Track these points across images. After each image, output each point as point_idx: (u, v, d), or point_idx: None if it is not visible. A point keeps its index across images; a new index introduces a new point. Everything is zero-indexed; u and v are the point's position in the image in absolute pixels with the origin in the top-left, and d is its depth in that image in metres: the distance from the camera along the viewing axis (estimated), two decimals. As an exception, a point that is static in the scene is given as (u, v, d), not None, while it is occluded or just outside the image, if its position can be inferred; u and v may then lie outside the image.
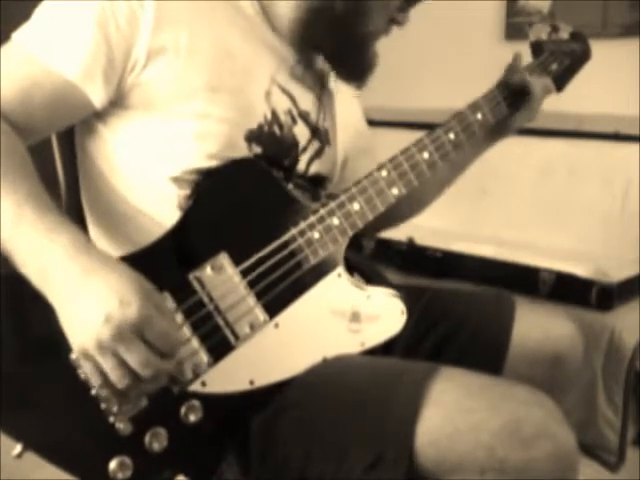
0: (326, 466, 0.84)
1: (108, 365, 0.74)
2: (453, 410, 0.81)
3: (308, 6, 0.97)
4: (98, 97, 0.88)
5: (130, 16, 0.86)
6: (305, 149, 1.02)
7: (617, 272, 1.85)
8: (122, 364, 0.74)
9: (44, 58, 0.85)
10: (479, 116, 1.07)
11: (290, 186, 0.99)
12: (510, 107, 1.11)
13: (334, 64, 1.03)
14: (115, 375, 0.75)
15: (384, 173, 0.97)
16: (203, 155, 0.91)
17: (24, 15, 0.88)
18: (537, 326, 1.10)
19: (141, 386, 0.77)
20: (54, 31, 0.87)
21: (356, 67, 1.03)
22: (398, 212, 1.11)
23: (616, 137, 2.15)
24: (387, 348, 1.01)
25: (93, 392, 0.80)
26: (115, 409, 0.81)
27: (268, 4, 0.98)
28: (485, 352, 1.07)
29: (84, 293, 0.74)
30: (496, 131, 1.15)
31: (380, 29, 1.01)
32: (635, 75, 2.07)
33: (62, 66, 0.85)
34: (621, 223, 2.07)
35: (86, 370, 0.78)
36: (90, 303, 0.73)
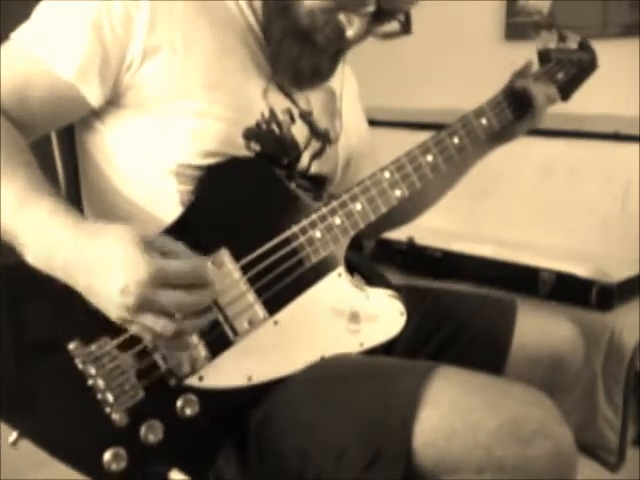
0: (324, 465, 0.84)
1: (149, 322, 0.75)
2: (451, 409, 0.81)
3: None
4: (94, 96, 0.89)
5: (125, 16, 0.87)
6: (305, 148, 1.02)
7: (617, 272, 1.85)
8: (161, 314, 0.75)
9: (42, 57, 0.86)
10: (483, 121, 1.07)
11: (292, 184, 0.99)
12: (514, 113, 1.11)
13: (272, 62, 0.98)
14: (160, 327, 0.76)
15: (387, 174, 0.98)
16: (200, 153, 0.91)
17: (24, 15, 0.89)
18: (538, 328, 1.10)
19: (191, 324, 0.78)
20: (51, 31, 0.87)
21: (291, 69, 0.97)
22: (398, 215, 1.11)
23: (616, 137, 2.14)
24: (388, 349, 1.01)
25: (90, 383, 0.80)
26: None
27: (256, 4, 0.98)
28: (486, 354, 1.08)
29: (94, 269, 0.75)
30: (499, 136, 1.15)
31: (324, 38, 0.94)
32: (635, 75, 2.07)
33: (58, 66, 0.86)
34: (621, 223, 2.06)
35: (136, 332, 0.78)
36: (103, 278, 0.75)
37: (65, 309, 0.77)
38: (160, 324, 0.75)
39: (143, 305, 0.74)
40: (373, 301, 0.98)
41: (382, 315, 0.98)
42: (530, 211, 2.22)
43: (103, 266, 0.75)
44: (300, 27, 0.93)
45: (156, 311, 0.75)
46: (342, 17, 0.92)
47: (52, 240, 0.77)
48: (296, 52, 0.95)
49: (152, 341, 0.79)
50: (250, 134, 0.94)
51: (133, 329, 0.78)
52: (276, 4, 0.94)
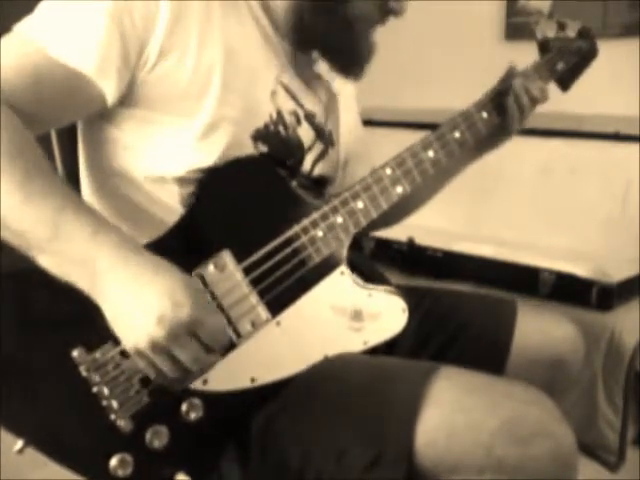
0: (326, 465, 0.84)
1: (161, 362, 0.76)
2: (452, 409, 0.81)
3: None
4: (111, 92, 0.86)
5: (146, 14, 0.85)
6: (310, 150, 1.02)
7: (617, 272, 1.84)
8: (174, 361, 0.76)
9: (57, 50, 0.83)
10: (484, 114, 1.07)
11: (294, 184, 0.99)
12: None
13: (329, 55, 1.01)
14: (168, 369, 0.76)
15: (388, 171, 0.97)
16: (209, 154, 0.90)
17: (24, 13, 0.87)
18: (538, 329, 1.10)
19: (190, 376, 0.79)
20: (67, 24, 0.84)
21: (351, 56, 1.01)
22: (392, 214, 1.11)
23: (616, 137, 2.14)
24: (389, 350, 1.01)
25: (94, 390, 0.80)
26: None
27: (268, 4, 0.98)
28: (486, 355, 1.08)
29: (136, 295, 0.75)
30: (487, 140, 1.14)
31: (369, 14, 0.98)
32: (635, 75, 2.07)
33: (76, 59, 0.83)
34: (621, 223, 2.06)
35: (140, 365, 0.78)
36: (143, 305, 0.74)
37: (68, 316, 0.77)
38: (168, 367, 0.76)
39: (166, 344, 0.74)
40: (375, 299, 0.98)
41: (385, 313, 0.98)
42: (530, 211, 2.22)
43: (147, 296, 0.74)
44: (348, 18, 0.96)
45: (170, 355, 0.75)
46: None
47: (92, 268, 0.75)
48: (352, 39, 0.98)
49: (153, 378, 0.79)
50: (258, 135, 0.94)
51: (140, 363, 0.78)
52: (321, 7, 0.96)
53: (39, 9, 0.86)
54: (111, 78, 0.85)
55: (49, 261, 0.76)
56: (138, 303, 0.74)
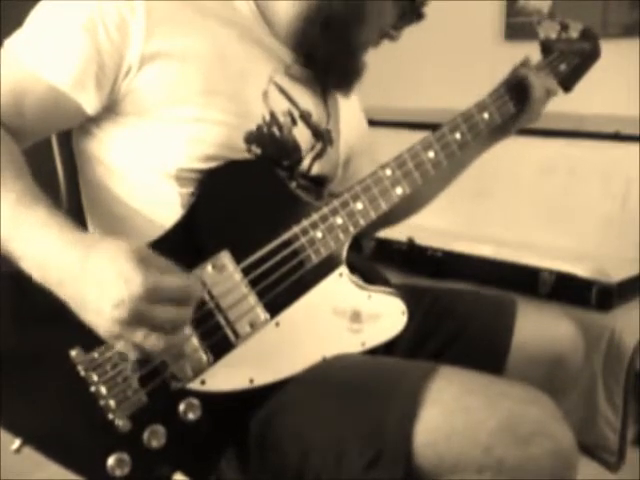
0: (325, 465, 0.84)
1: (139, 338, 0.74)
2: (451, 409, 0.81)
3: (306, 5, 0.97)
4: (90, 104, 0.88)
5: (120, 22, 0.86)
6: (307, 150, 1.02)
7: (617, 272, 1.85)
8: (151, 329, 0.74)
9: (34, 66, 0.85)
10: (485, 115, 1.07)
11: (293, 185, 0.99)
12: (516, 107, 1.11)
13: (323, 69, 1.02)
14: (149, 343, 0.75)
15: (388, 172, 0.97)
16: (199, 158, 0.90)
17: (24, 16, 0.88)
18: (538, 327, 1.10)
19: (172, 339, 0.77)
20: (44, 38, 0.87)
21: (345, 74, 1.03)
22: (395, 213, 1.11)
23: (616, 137, 2.15)
24: (388, 349, 1.01)
25: (92, 389, 0.80)
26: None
27: (264, 4, 0.98)
28: (486, 353, 1.07)
29: (87, 282, 0.74)
30: (497, 131, 1.15)
31: (371, 40, 1.02)
32: (635, 75, 2.08)
33: (52, 74, 0.85)
34: (621, 223, 2.06)
35: (121, 348, 0.78)
36: (96, 291, 0.73)
37: (66, 316, 0.77)
38: (150, 340, 0.75)
39: (136, 320, 0.73)
40: (375, 300, 0.97)
41: (384, 314, 0.98)
42: (530, 211, 2.22)
43: (97, 279, 0.73)
44: (353, 44, 1.00)
45: (146, 326, 0.74)
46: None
47: (44, 252, 0.76)
48: (350, 58, 1.01)
49: (138, 356, 0.78)
50: (251, 138, 0.94)
51: (118, 346, 0.77)
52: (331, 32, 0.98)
53: (25, 25, 0.88)
54: (88, 91, 0.87)
55: (14, 258, 0.77)
56: (91, 290, 0.74)
